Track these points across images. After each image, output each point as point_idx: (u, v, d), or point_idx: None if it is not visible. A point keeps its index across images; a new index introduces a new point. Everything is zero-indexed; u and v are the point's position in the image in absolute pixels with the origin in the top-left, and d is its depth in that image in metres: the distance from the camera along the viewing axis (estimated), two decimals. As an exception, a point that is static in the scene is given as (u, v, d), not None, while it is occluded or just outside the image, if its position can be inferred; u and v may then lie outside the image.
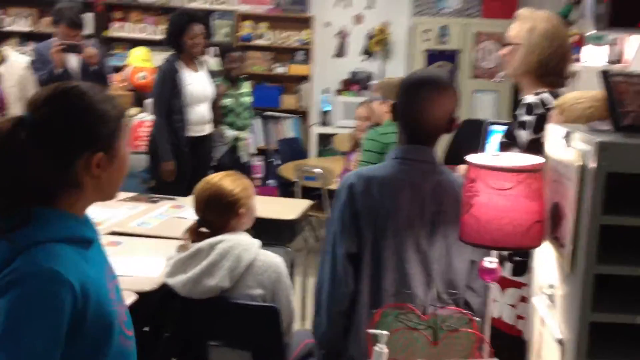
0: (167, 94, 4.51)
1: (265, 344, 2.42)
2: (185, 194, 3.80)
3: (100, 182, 1.37)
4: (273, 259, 2.44)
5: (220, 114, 5.04)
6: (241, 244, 2.41)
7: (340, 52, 7.39)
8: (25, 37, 7.00)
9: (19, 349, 1.19)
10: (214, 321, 2.42)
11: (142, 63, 5.94)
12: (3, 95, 4.45)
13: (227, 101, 5.11)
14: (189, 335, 2.50)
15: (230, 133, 5.12)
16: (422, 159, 1.97)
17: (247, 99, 5.27)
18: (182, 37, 4.53)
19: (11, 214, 1.29)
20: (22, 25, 7.04)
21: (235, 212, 2.45)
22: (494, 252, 1.74)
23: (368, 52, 7.30)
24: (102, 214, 3.38)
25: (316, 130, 7.13)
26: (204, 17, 4.86)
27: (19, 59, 4.64)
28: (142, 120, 5.38)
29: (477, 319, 1.70)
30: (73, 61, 4.73)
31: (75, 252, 1.31)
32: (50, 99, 1.33)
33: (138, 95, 5.85)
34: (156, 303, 2.52)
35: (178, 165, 4.55)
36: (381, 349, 1.62)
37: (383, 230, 1.92)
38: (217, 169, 4.74)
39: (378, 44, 7.20)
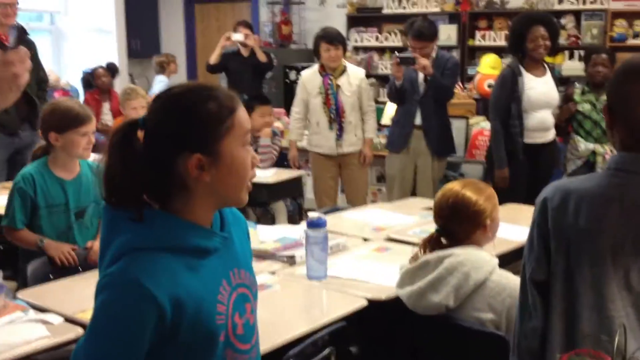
0: (504, 99, 4.35)
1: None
2: (522, 203, 3.66)
3: (209, 185, 1.30)
4: (510, 282, 2.13)
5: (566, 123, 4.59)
6: (472, 260, 2.16)
7: None
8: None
9: (95, 350, 1.24)
10: (439, 340, 2.21)
11: (490, 70, 5.80)
12: (341, 104, 4.77)
13: (584, 108, 4.52)
14: (414, 351, 2.33)
15: (585, 146, 4.50)
16: None
17: None
18: (524, 40, 4.31)
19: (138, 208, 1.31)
20: (393, 41, 7.48)
21: (481, 224, 2.21)
22: None
23: None
24: (394, 220, 3.38)
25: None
26: (548, 18, 4.53)
27: (356, 70, 4.92)
28: (483, 128, 5.23)
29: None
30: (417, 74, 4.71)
31: (179, 262, 1.28)
32: (156, 100, 1.35)
33: (484, 104, 5.71)
34: (392, 318, 2.41)
35: (514, 172, 4.34)
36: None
37: (578, 257, 1.52)
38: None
39: None
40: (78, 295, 2.36)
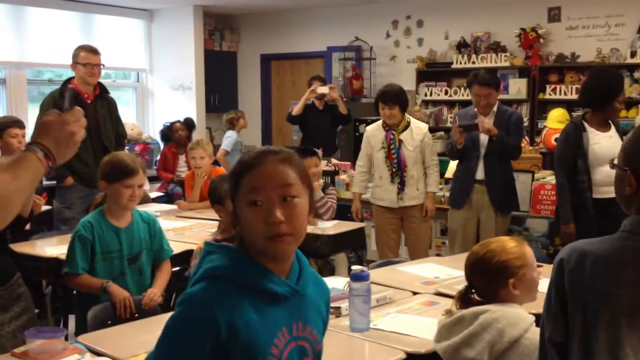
0: (569, 154, 4.34)
1: None
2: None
3: (243, 230, 1.45)
4: None
5: None
6: (507, 317, 2.17)
7: None
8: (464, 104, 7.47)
9: (161, 357, 1.41)
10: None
11: (557, 125, 5.77)
12: (403, 158, 4.86)
13: None
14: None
15: None
16: None
17: None
18: (613, 99, 4.29)
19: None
20: (462, 95, 7.54)
21: (504, 281, 2.23)
22: None
23: None
24: (446, 274, 3.41)
25: None
26: None
27: (419, 125, 5.01)
28: (544, 182, 5.20)
29: None
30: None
31: (246, 298, 1.42)
32: None
33: (552, 158, 5.67)
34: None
35: (583, 228, 4.29)
36: None
37: (594, 319, 1.54)
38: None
39: None
40: (132, 340, 2.51)
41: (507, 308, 2.21)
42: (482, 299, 2.28)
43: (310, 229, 4.37)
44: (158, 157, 7.84)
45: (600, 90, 4.29)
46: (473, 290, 2.31)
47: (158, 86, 8.93)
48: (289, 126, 9.00)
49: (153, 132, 8.73)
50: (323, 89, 6.75)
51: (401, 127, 4.91)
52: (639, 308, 1.52)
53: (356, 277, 2.60)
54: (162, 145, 7.93)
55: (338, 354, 2.48)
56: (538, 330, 2.15)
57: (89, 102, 4.86)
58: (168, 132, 7.38)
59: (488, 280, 2.25)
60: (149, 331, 2.64)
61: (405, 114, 4.99)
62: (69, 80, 4.99)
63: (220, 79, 9.33)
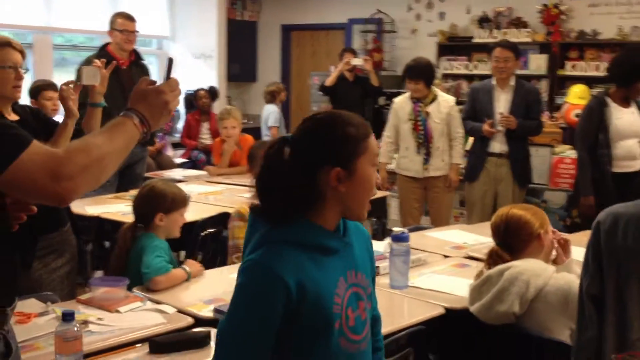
0: (592, 129, 4.47)
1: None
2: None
3: (341, 196, 1.56)
4: (564, 284, 2.33)
5: None
6: (530, 269, 2.38)
7: None
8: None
9: (235, 325, 1.51)
10: (509, 350, 2.40)
11: (578, 101, 5.88)
12: (429, 130, 4.99)
13: None
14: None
15: None
16: None
17: None
18: (637, 77, 4.40)
19: (275, 213, 1.60)
20: (482, 69, 7.63)
21: (533, 235, 2.47)
22: None
23: None
24: (473, 240, 3.57)
25: None
26: None
27: (447, 98, 5.13)
28: (564, 156, 5.33)
29: None
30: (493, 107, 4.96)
31: (306, 256, 1.54)
32: (305, 121, 1.63)
33: (571, 133, 5.79)
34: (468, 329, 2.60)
35: (601, 200, 4.42)
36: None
37: (627, 274, 1.70)
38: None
39: None
40: (185, 293, 2.68)
41: (529, 262, 2.42)
42: (512, 255, 2.47)
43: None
44: (179, 125, 7.99)
45: (628, 68, 4.40)
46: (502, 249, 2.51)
47: (179, 54, 9.02)
48: (306, 97, 9.12)
49: (175, 99, 8.84)
50: (357, 61, 6.89)
51: (428, 100, 5.03)
52: None
53: (397, 238, 2.76)
54: (183, 113, 8.07)
55: (380, 309, 2.63)
56: (560, 278, 2.35)
57: (124, 67, 4.98)
58: (192, 100, 7.50)
59: (519, 236, 2.46)
60: (197, 283, 2.82)
61: (432, 87, 5.11)
62: (105, 45, 5.10)
63: (240, 49, 9.42)
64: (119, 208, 4.09)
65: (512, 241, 2.48)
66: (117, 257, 2.90)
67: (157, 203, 2.91)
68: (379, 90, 7.27)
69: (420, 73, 5.01)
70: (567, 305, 2.26)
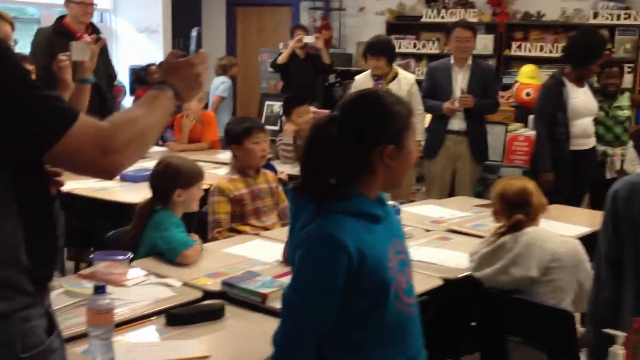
0: (550, 108, 4.63)
1: (559, 347, 2.43)
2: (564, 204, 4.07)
3: (390, 170, 1.64)
4: (574, 246, 2.53)
5: None
6: (545, 235, 2.55)
7: None
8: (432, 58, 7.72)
9: (302, 291, 1.58)
10: (515, 316, 2.53)
11: (528, 80, 6.09)
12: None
13: (599, 115, 4.96)
14: (491, 328, 2.64)
15: (597, 148, 4.93)
16: None
17: (622, 112, 5.04)
18: (592, 61, 4.60)
19: (323, 189, 1.65)
20: (430, 48, 7.78)
21: (544, 205, 2.65)
22: None
23: None
24: (449, 215, 3.68)
25: None
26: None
27: (407, 76, 5.23)
28: (517, 134, 5.53)
29: None
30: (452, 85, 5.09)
31: (360, 224, 1.61)
32: (354, 101, 1.69)
33: (522, 111, 6.01)
34: (463, 296, 2.71)
35: (558, 177, 4.61)
36: (616, 350, 1.59)
37: None
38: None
39: None
40: (184, 267, 2.67)
41: (539, 229, 2.57)
42: (530, 221, 2.61)
43: (289, 172, 4.57)
44: (125, 101, 7.81)
45: (584, 49, 4.60)
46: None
47: (123, 28, 8.80)
48: (253, 72, 9.07)
49: (119, 75, 8.63)
50: (309, 39, 6.89)
51: (389, 78, 5.12)
52: None
53: (391, 211, 2.83)
54: (128, 89, 7.90)
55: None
56: (571, 243, 2.50)
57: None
58: (142, 75, 7.36)
59: (535, 207, 2.60)
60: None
61: (394, 65, 5.19)
62: (61, 18, 4.95)
63: (185, 24, 9.25)
64: (89, 184, 4.01)
65: (531, 210, 2.61)
66: (132, 234, 2.86)
67: (174, 179, 2.88)
68: (329, 68, 7.32)
69: (382, 50, 5.09)
70: (577, 266, 2.42)
